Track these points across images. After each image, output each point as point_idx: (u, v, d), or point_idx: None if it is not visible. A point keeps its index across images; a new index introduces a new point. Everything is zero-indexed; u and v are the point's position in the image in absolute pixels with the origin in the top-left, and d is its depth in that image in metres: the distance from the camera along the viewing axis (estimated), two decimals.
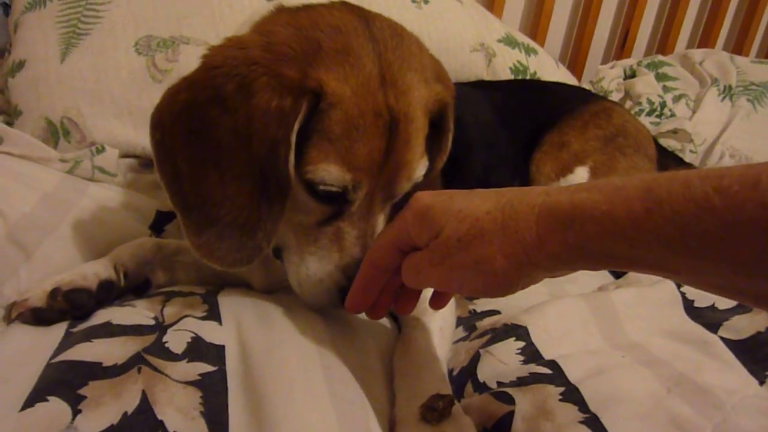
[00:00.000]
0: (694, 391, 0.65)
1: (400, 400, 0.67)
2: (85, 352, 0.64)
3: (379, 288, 0.67)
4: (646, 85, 1.90)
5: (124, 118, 1.20)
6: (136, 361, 0.63)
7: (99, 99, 1.20)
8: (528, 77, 1.69)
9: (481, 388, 0.71)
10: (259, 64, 0.67)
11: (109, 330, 0.69)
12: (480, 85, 1.48)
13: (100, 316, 0.73)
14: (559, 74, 1.79)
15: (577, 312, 0.83)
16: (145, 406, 0.57)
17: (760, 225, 0.37)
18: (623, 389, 0.66)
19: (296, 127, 0.67)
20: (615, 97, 1.91)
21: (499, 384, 0.70)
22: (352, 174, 0.69)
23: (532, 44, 1.78)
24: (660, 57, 2.08)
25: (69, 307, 0.74)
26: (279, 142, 0.66)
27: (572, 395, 0.66)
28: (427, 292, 0.71)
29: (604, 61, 2.29)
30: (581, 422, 0.62)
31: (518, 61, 1.68)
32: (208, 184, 0.69)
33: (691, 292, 0.87)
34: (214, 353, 0.68)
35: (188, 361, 0.65)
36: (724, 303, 0.85)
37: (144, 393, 0.59)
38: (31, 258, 0.85)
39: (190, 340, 0.69)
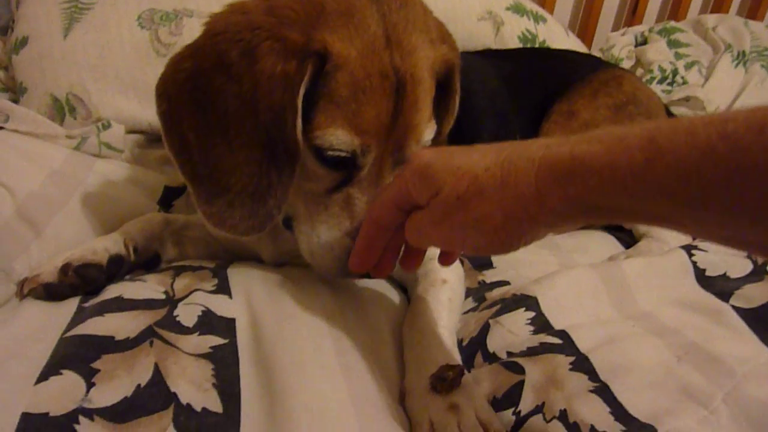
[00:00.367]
0: (705, 360, 0.65)
1: (410, 370, 0.67)
2: (97, 326, 0.65)
3: (382, 246, 0.66)
4: (658, 52, 1.86)
5: (129, 93, 1.20)
6: (148, 335, 0.64)
7: (103, 74, 1.19)
8: (537, 46, 1.66)
9: (491, 358, 0.72)
10: (262, 29, 0.66)
11: (121, 304, 0.70)
12: (488, 54, 1.45)
13: (112, 291, 0.74)
14: (569, 42, 1.76)
15: (588, 282, 0.83)
16: (157, 379, 0.58)
17: (766, 170, 0.35)
18: (634, 358, 0.66)
19: (302, 91, 0.66)
20: (626, 64, 1.87)
21: (509, 354, 0.71)
22: (360, 138, 0.69)
23: (541, 12, 1.74)
24: (672, 23, 2.04)
25: (80, 282, 0.75)
26: (285, 107, 0.65)
27: (582, 365, 0.66)
28: (433, 252, 0.70)
29: (615, 28, 2.24)
30: (591, 391, 0.62)
31: (527, 29, 1.65)
32: (217, 152, 0.68)
33: (702, 261, 0.87)
34: (225, 326, 0.69)
35: (199, 334, 0.66)
36: (735, 271, 0.85)
37: (156, 366, 0.60)
38: (42, 234, 0.86)
39: (200, 313, 0.70)
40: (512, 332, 0.74)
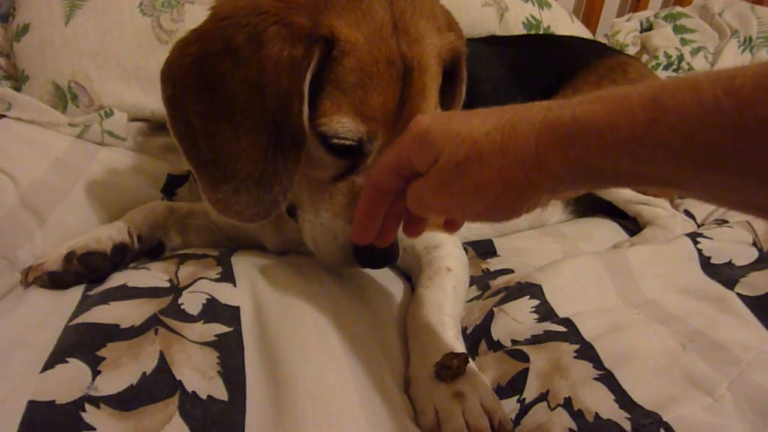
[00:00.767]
0: (710, 347, 0.65)
1: (414, 359, 0.67)
2: (102, 314, 0.65)
3: (382, 212, 0.64)
4: (664, 38, 1.85)
5: (131, 81, 1.19)
6: (152, 323, 0.64)
7: (105, 61, 1.18)
8: (541, 32, 1.64)
9: (495, 346, 0.72)
10: (269, 13, 0.66)
11: (126, 292, 0.70)
12: (492, 41, 1.44)
13: (116, 279, 0.74)
14: (574, 28, 1.74)
15: (592, 270, 0.83)
16: (163, 366, 0.58)
17: None
18: (638, 346, 0.66)
19: (308, 76, 0.65)
20: (631, 50, 1.86)
21: (514, 342, 0.71)
22: (366, 125, 0.68)
23: None
24: (678, 8, 2.02)
25: (84, 270, 0.75)
26: (292, 93, 0.65)
27: (587, 352, 0.66)
28: (437, 240, 0.69)
29: (620, 14, 2.22)
30: (596, 379, 0.62)
31: (531, 15, 1.63)
32: (223, 138, 0.68)
33: (707, 248, 0.86)
34: (230, 314, 0.69)
35: (204, 323, 0.66)
36: (741, 259, 0.84)
37: (162, 354, 0.60)
38: (45, 223, 0.86)
39: (205, 301, 0.70)
40: (516, 320, 0.74)
